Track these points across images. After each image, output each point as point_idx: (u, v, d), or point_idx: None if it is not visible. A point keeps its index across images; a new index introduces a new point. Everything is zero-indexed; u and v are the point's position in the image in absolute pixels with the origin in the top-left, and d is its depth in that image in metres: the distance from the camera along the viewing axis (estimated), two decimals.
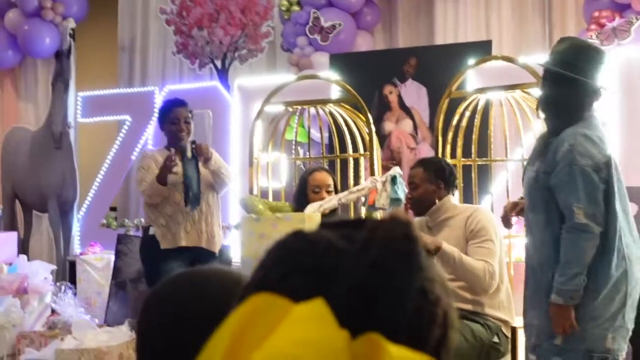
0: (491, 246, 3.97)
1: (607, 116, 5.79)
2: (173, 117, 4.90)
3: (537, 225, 3.30)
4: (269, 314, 0.69)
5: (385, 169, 6.33)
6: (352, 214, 5.05)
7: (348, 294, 0.71)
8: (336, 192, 4.44)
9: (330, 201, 4.15)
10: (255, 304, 0.69)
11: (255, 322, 0.68)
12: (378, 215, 3.98)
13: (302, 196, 4.40)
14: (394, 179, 4.10)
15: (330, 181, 4.41)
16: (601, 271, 3.17)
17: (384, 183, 4.13)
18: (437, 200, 4.12)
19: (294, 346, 0.65)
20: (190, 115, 4.95)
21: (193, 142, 4.78)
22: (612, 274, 3.17)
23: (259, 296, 0.70)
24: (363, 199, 4.26)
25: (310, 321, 0.67)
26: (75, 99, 8.04)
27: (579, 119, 3.25)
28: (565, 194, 3.18)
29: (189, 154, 4.73)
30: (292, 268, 0.74)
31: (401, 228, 0.74)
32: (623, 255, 3.18)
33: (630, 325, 3.25)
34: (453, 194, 4.24)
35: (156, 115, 7.40)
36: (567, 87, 3.27)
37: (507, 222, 3.74)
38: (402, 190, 4.12)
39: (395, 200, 4.10)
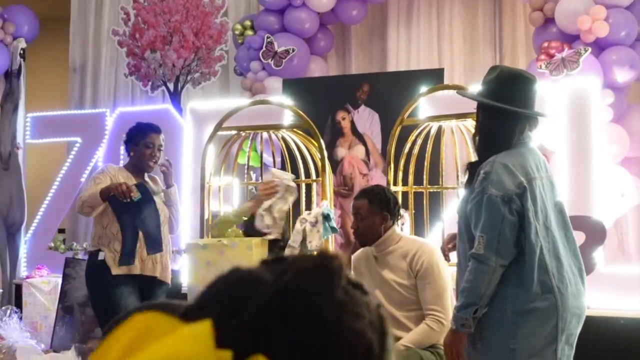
0: (437, 286, 4.03)
1: (556, 146, 5.89)
2: (148, 141, 4.83)
3: (464, 253, 3.25)
4: (153, 330, 0.70)
5: (337, 194, 6.34)
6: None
7: (253, 318, 0.72)
8: (288, 216, 4.45)
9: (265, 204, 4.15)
10: (141, 321, 0.71)
11: (137, 336, 0.69)
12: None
13: (249, 223, 4.42)
14: (327, 217, 4.13)
15: None
16: (516, 303, 3.10)
17: (314, 224, 4.14)
18: (383, 232, 4.14)
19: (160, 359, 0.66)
20: (163, 144, 4.91)
21: (142, 185, 4.67)
22: (531, 307, 3.08)
23: (148, 314, 0.71)
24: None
25: (186, 339, 0.68)
26: (24, 119, 7.94)
27: (505, 147, 3.19)
28: (474, 222, 3.14)
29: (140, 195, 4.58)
30: (212, 297, 0.76)
31: (321, 260, 0.75)
32: (549, 288, 3.08)
33: None
34: (402, 224, 4.28)
35: (107, 137, 7.41)
36: (493, 115, 3.24)
37: (445, 256, 3.75)
38: (334, 222, 4.16)
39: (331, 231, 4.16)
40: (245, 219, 4.26)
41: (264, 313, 0.72)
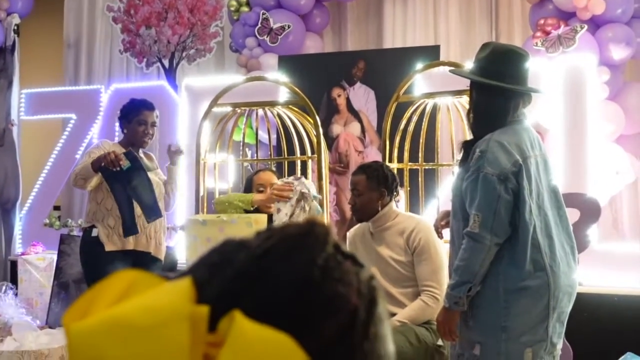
0: (433, 263, 4.05)
1: (551, 123, 5.89)
2: (142, 119, 4.84)
3: (458, 232, 3.25)
4: (136, 285, 0.70)
5: (333, 171, 6.34)
6: None
7: (233, 276, 0.72)
8: None
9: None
10: (125, 277, 0.72)
11: (119, 290, 0.70)
12: None
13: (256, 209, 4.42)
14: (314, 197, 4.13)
15: (275, 180, 4.41)
16: (508, 281, 3.11)
17: (303, 207, 4.13)
18: (380, 208, 4.14)
19: (136, 311, 0.66)
20: (156, 121, 4.93)
21: (129, 153, 4.65)
22: (524, 285, 3.10)
23: (133, 272, 0.72)
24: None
25: (165, 292, 0.68)
26: (18, 96, 7.91)
27: (500, 125, 3.19)
28: (469, 201, 3.14)
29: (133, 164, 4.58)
30: (198, 263, 0.76)
31: (306, 226, 0.76)
32: (542, 267, 3.10)
33: (557, 340, 3.18)
34: (397, 201, 4.28)
35: (102, 113, 7.39)
36: (487, 93, 3.24)
37: (437, 233, 3.75)
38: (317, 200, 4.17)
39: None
40: (252, 208, 4.26)
41: (244, 272, 0.72)
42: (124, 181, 4.60)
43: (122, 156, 4.52)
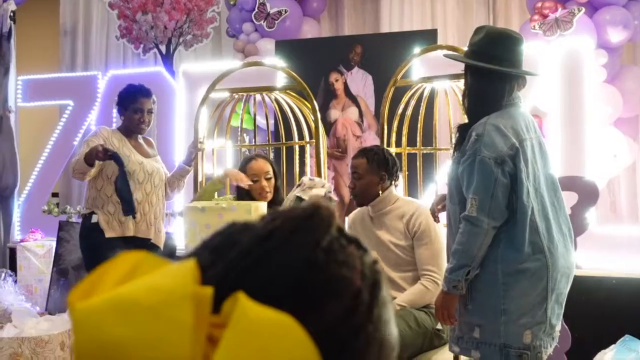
0: (433, 247, 4.05)
1: (549, 107, 5.89)
2: (138, 106, 4.84)
3: (454, 215, 3.26)
4: (141, 266, 0.71)
5: (331, 156, 6.34)
6: None
7: (237, 257, 0.73)
8: (276, 178, 4.44)
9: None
10: (130, 257, 0.72)
11: (124, 271, 0.71)
12: None
13: (239, 187, 4.41)
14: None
15: (268, 167, 4.41)
16: (507, 264, 3.12)
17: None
18: (380, 192, 4.14)
19: (140, 290, 0.67)
20: (153, 107, 4.93)
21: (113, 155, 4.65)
22: (522, 267, 3.11)
23: (138, 253, 0.72)
24: None
25: (170, 273, 0.69)
26: (15, 83, 7.89)
27: (496, 108, 3.19)
28: (466, 184, 3.14)
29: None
30: (202, 246, 0.77)
31: (310, 208, 0.76)
32: (540, 249, 3.11)
33: (556, 321, 3.19)
34: (396, 185, 4.27)
35: (99, 100, 7.38)
36: (482, 77, 3.24)
37: (434, 217, 3.75)
38: None
39: None
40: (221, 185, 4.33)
41: (247, 253, 0.73)
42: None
43: (109, 148, 4.55)
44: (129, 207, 4.68)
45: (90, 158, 4.55)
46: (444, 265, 3.90)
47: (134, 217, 4.72)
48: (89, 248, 4.80)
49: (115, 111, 7.05)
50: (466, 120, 3.39)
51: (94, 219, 4.73)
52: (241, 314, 0.66)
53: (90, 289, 0.69)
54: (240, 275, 0.71)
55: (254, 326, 0.66)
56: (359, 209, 4.32)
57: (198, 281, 0.68)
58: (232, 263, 0.73)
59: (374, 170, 4.14)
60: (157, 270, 0.69)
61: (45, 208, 7.29)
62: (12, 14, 7.90)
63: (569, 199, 5.13)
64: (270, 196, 4.38)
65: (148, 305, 0.65)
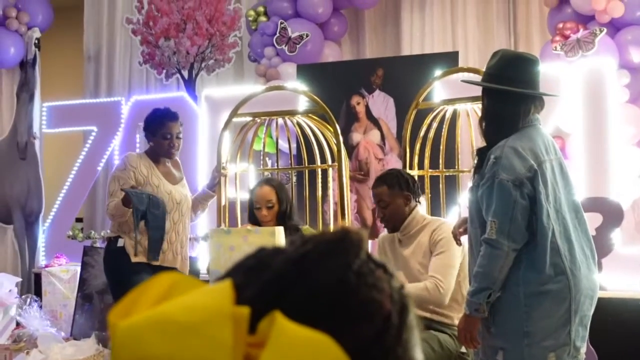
0: (446, 258, 4.01)
1: (572, 128, 5.87)
2: (166, 132, 4.79)
3: (475, 238, 3.25)
4: (178, 287, 0.73)
5: (353, 179, 6.35)
6: None
7: (271, 279, 0.74)
8: (285, 206, 4.49)
9: None
10: (167, 278, 0.74)
11: (161, 291, 0.72)
12: None
13: (251, 212, 4.53)
14: None
15: (271, 196, 4.47)
16: (528, 286, 3.11)
17: None
18: (408, 212, 4.14)
19: (180, 309, 0.68)
20: (181, 130, 4.89)
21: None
22: (544, 289, 3.09)
23: (174, 274, 0.74)
24: None
25: (207, 293, 0.70)
26: (40, 109, 7.98)
27: (513, 130, 3.20)
28: (485, 207, 3.15)
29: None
30: (234, 269, 0.78)
31: (341, 233, 0.77)
32: (562, 270, 3.09)
33: (580, 343, 3.16)
34: (420, 202, 4.27)
35: (122, 125, 7.44)
36: (498, 99, 3.25)
37: (455, 240, 3.74)
38: None
39: None
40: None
41: (282, 275, 0.74)
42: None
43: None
44: (155, 250, 4.70)
45: (127, 203, 4.57)
46: (451, 282, 3.89)
47: (156, 259, 4.72)
48: (114, 271, 4.78)
49: (138, 136, 7.12)
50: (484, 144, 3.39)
51: (120, 242, 4.72)
52: (279, 333, 0.67)
53: (129, 308, 0.71)
54: (275, 296, 0.73)
55: (293, 345, 0.66)
56: (386, 234, 4.31)
57: (234, 301, 0.69)
58: (266, 285, 0.74)
59: (397, 194, 4.14)
60: (194, 290, 0.71)
61: (70, 233, 7.34)
62: (36, 41, 8.01)
63: (593, 220, 5.10)
64: (271, 224, 4.42)
65: (188, 324, 0.67)
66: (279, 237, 3.94)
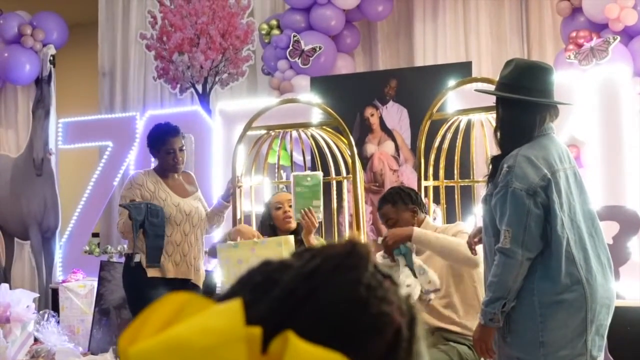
0: (462, 236, 3.92)
1: (587, 136, 5.85)
2: (168, 147, 4.87)
3: (490, 248, 3.24)
4: (187, 308, 0.72)
5: (368, 191, 6.34)
6: None
7: (280, 296, 0.74)
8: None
9: None
10: (176, 299, 0.73)
11: (171, 313, 0.71)
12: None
13: (266, 219, 4.51)
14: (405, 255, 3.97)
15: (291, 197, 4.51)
16: (543, 295, 3.09)
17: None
18: (417, 224, 4.13)
19: (192, 332, 0.67)
20: (184, 142, 4.95)
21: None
22: (560, 298, 3.07)
23: (183, 294, 0.73)
24: None
25: (218, 314, 0.69)
26: (56, 125, 8.02)
27: (527, 139, 3.19)
28: (499, 216, 3.13)
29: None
30: (241, 284, 0.78)
31: (348, 246, 0.77)
32: (578, 280, 3.07)
33: (597, 353, 3.13)
34: (426, 213, 4.26)
35: (138, 140, 7.47)
36: (512, 108, 3.24)
37: (470, 249, 3.72)
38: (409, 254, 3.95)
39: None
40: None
41: (292, 292, 0.74)
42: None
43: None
44: (153, 257, 4.74)
45: (131, 217, 4.65)
46: (481, 257, 3.72)
47: (156, 266, 4.75)
48: (132, 287, 4.87)
49: None
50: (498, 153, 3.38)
51: (137, 258, 4.78)
52: (293, 354, 0.66)
53: (138, 331, 0.71)
54: (287, 314, 0.72)
55: None
56: None
57: (244, 322, 0.69)
58: (276, 302, 0.73)
59: (403, 209, 4.13)
60: (204, 312, 0.70)
61: (87, 248, 7.37)
62: (52, 58, 8.06)
63: (610, 228, 5.08)
64: (293, 223, 4.44)
65: (202, 347, 0.66)
66: (286, 246, 3.96)
